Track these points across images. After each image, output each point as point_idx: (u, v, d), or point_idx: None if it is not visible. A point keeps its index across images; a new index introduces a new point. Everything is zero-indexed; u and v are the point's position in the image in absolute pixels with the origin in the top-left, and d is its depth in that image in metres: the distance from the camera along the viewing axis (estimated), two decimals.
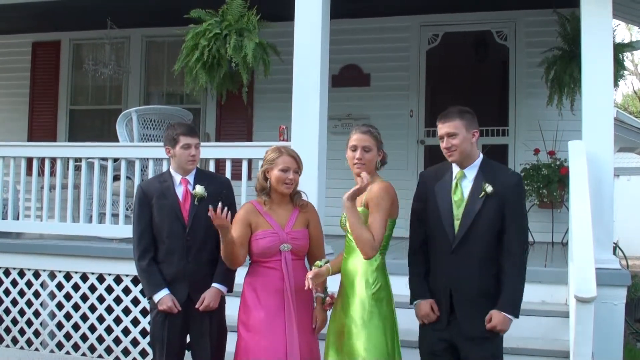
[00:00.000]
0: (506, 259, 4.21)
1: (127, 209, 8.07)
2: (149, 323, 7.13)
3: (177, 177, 5.06)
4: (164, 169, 7.71)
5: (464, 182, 4.38)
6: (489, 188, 4.25)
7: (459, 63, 11.83)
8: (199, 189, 4.97)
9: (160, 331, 4.91)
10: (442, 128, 4.39)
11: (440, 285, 4.45)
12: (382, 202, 4.32)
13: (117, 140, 8.43)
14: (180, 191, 5.02)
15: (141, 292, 7.35)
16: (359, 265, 4.43)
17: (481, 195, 4.27)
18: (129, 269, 7.31)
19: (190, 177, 5.08)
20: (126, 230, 7.83)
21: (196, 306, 4.90)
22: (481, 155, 4.42)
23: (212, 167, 7.41)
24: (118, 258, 7.45)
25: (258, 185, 4.69)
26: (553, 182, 8.80)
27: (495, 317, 4.21)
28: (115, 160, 8.00)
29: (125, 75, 11.46)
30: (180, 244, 4.93)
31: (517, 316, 4.24)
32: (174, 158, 5.08)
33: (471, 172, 4.37)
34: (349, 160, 4.52)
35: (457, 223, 4.35)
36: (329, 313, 4.73)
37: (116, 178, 8.10)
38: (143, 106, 9.81)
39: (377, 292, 4.38)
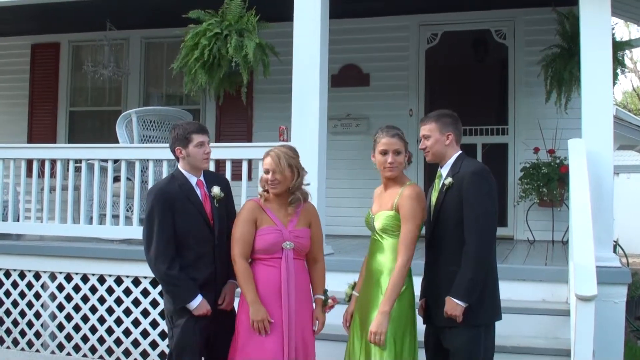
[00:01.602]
0: (464, 249, 4.29)
1: (127, 210, 8.07)
2: (160, 331, 7.14)
3: (193, 179, 4.90)
4: (164, 169, 7.71)
5: (441, 181, 4.57)
6: (447, 180, 4.44)
7: (458, 62, 11.84)
8: (217, 190, 4.89)
9: (192, 337, 4.72)
10: (421, 130, 4.65)
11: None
12: (416, 210, 4.41)
13: (117, 142, 8.42)
14: (199, 193, 4.89)
15: (142, 293, 7.36)
16: (385, 264, 4.47)
17: (444, 188, 4.45)
18: (130, 270, 7.35)
19: (202, 178, 4.96)
20: (126, 231, 7.87)
21: (219, 302, 4.81)
22: (456, 154, 4.57)
23: (212, 168, 7.40)
24: (119, 259, 7.45)
25: (261, 183, 4.74)
26: (553, 180, 8.79)
27: (446, 302, 4.33)
28: (116, 161, 8.00)
29: (125, 76, 11.45)
30: (209, 248, 4.79)
31: (467, 302, 4.26)
32: (186, 158, 4.89)
33: (445, 171, 4.56)
34: (378, 164, 4.57)
35: (431, 215, 4.57)
36: (328, 315, 4.80)
37: (116, 179, 8.09)
38: (143, 107, 9.81)
39: (401, 293, 4.43)
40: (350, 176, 10.04)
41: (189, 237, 4.74)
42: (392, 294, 4.30)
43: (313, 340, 4.71)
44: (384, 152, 4.51)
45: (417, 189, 4.52)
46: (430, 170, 9.65)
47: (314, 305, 4.76)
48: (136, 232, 7.81)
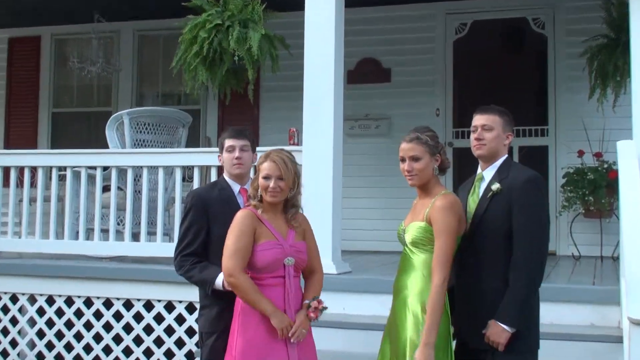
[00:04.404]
0: (511, 266, 4.27)
1: (118, 224, 8.05)
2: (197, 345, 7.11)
3: (236, 187, 5.05)
4: (160, 177, 7.70)
5: (482, 184, 4.57)
6: (494, 186, 4.42)
7: (490, 55, 11.76)
8: None
9: (220, 357, 4.72)
10: (479, 119, 4.57)
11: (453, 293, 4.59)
12: (451, 222, 4.36)
13: (107, 147, 8.41)
14: (241, 202, 4.99)
15: (134, 317, 7.33)
16: (416, 284, 4.44)
17: (489, 194, 4.43)
18: (121, 291, 7.35)
19: (249, 187, 4.99)
20: (117, 248, 7.86)
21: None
22: (504, 157, 4.58)
23: (213, 175, 7.38)
24: (108, 279, 7.44)
25: (251, 191, 4.64)
26: (600, 187, 8.74)
27: (489, 326, 4.28)
28: (105, 168, 8.00)
29: (115, 73, 11.49)
30: None
31: (515, 327, 4.22)
32: (223, 164, 5.13)
33: (489, 173, 4.55)
34: (401, 172, 4.57)
35: (468, 223, 4.52)
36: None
37: (106, 189, 8.08)
38: (136, 108, 9.82)
39: None
40: (369, 184, 10.01)
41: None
42: (434, 321, 4.23)
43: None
44: (402, 160, 4.53)
45: (452, 197, 4.47)
46: (462, 173, 9.58)
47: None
48: (128, 248, 7.84)
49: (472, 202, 4.55)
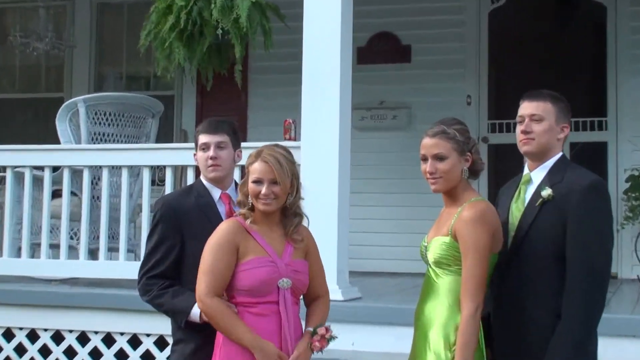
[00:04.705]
0: (565, 292, 4.24)
1: (71, 238, 8.05)
2: None
3: (216, 192, 5.02)
4: (124, 180, 7.69)
5: (529, 187, 4.53)
6: (545, 192, 4.35)
7: (534, 30, 11.81)
8: None
9: None
10: (527, 107, 4.52)
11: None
12: (480, 237, 4.31)
13: (58, 142, 8.41)
14: (222, 211, 4.98)
15: (91, 354, 7.33)
16: (439, 314, 4.41)
17: (538, 201, 4.38)
18: (75, 321, 7.37)
19: (232, 192, 5.03)
20: (70, 267, 7.85)
21: None
22: (558, 156, 4.52)
23: (190, 177, 7.36)
24: (59, 307, 7.43)
25: (240, 197, 4.58)
26: None
27: None
28: (56, 169, 8.01)
29: (69, 51, 11.51)
30: None
31: None
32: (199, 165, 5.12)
33: (539, 175, 4.50)
34: (422, 173, 4.55)
35: (511, 236, 4.50)
36: None
37: (56, 194, 8.08)
38: (94, 94, 9.82)
39: None
40: (383, 189, 10.01)
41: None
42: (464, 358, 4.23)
43: None
44: (423, 159, 4.48)
45: (483, 205, 4.41)
46: (499, 176, 9.57)
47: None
48: (83, 268, 7.83)
49: (516, 209, 4.51)
